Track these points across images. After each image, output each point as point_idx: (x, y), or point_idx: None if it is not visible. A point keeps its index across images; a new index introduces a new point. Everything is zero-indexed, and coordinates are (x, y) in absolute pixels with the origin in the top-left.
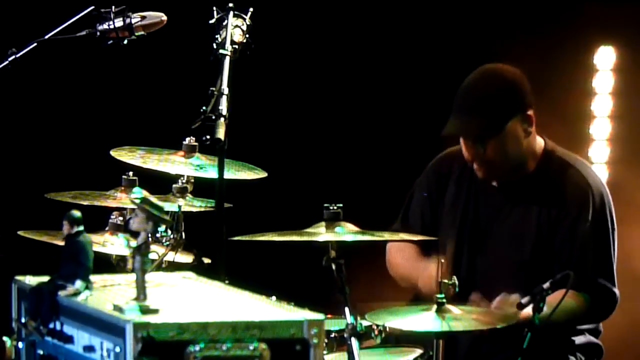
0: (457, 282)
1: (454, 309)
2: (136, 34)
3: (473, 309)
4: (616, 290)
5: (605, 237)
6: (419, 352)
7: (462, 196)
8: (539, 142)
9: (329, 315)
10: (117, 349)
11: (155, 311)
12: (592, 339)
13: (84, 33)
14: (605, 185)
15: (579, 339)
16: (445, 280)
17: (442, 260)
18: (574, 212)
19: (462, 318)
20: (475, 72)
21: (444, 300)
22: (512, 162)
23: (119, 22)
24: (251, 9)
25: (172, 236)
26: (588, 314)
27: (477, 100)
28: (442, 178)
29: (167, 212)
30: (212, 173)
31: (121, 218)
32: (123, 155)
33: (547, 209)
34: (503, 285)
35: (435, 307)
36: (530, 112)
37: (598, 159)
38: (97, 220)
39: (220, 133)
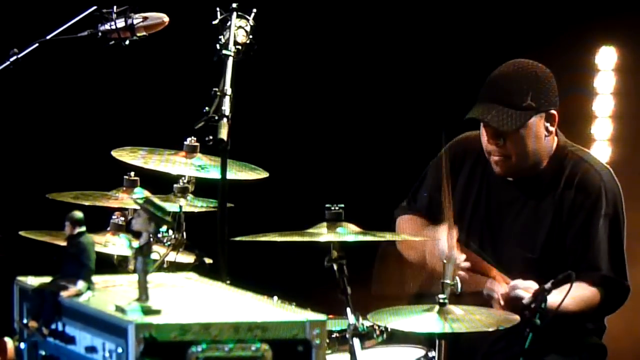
0: (459, 282)
1: (456, 310)
2: (138, 34)
3: (475, 309)
4: (628, 283)
5: (618, 232)
6: (421, 352)
7: (474, 187)
8: (555, 140)
9: (330, 316)
10: (119, 350)
11: (157, 312)
12: (596, 339)
13: (85, 33)
14: (616, 179)
15: (582, 340)
16: (447, 281)
17: (445, 261)
18: (587, 207)
19: (464, 319)
20: (508, 64)
21: (446, 301)
22: (529, 159)
23: (120, 23)
24: (254, 10)
25: (173, 236)
26: (601, 307)
27: (505, 90)
28: (457, 161)
29: (169, 213)
30: (213, 173)
31: (123, 218)
32: (124, 155)
33: (560, 206)
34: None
35: (437, 307)
36: (554, 112)
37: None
38: (99, 220)
39: (223, 133)
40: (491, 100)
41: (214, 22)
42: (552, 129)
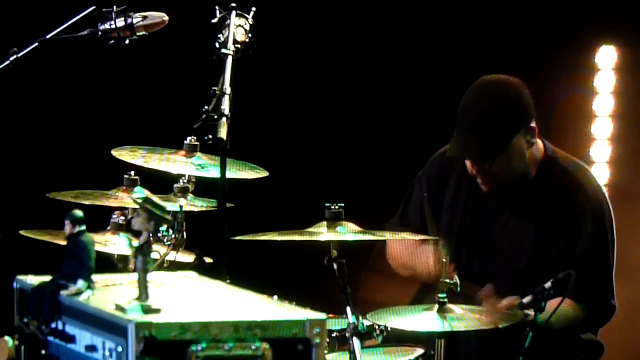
0: (458, 281)
1: (456, 309)
2: (138, 33)
3: (475, 308)
4: (614, 301)
5: (604, 250)
6: (420, 351)
7: (461, 197)
8: (539, 146)
9: (330, 315)
10: (119, 349)
11: (157, 311)
12: (593, 336)
13: (85, 33)
14: (605, 193)
15: (578, 337)
16: (447, 280)
17: (444, 260)
18: (572, 224)
19: (463, 318)
20: (476, 87)
21: (446, 300)
22: (515, 173)
23: (120, 22)
24: (254, 9)
25: (173, 236)
26: (585, 324)
27: (480, 119)
28: (443, 175)
29: (169, 212)
30: (213, 173)
31: (123, 217)
32: (124, 154)
33: (545, 219)
34: (500, 291)
35: (436, 306)
36: (533, 124)
37: (599, 159)
38: (99, 219)
39: (222, 132)
40: (469, 130)
41: (213, 21)
42: (533, 140)
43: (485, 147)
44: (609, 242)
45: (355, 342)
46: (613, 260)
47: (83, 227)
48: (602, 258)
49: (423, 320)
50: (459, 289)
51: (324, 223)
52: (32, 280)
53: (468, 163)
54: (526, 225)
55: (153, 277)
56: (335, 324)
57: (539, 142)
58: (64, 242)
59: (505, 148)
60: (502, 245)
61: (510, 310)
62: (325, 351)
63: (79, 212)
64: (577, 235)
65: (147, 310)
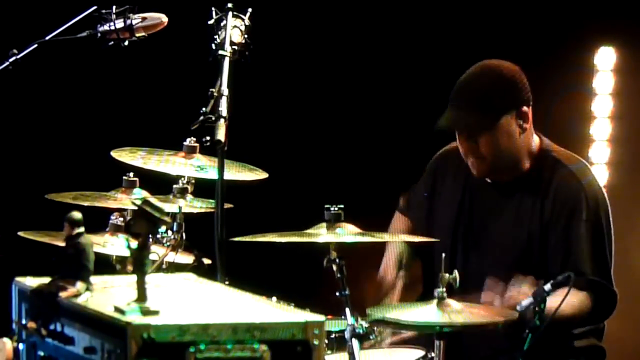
0: (457, 276)
1: (455, 303)
2: (137, 35)
3: (473, 304)
4: (615, 288)
5: (600, 238)
6: (420, 353)
7: (457, 194)
8: (535, 140)
9: (329, 316)
10: (118, 351)
11: (156, 312)
12: (595, 341)
13: (84, 34)
14: (600, 185)
15: (581, 342)
16: (447, 275)
17: (444, 255)
18: (566, 214)
19: (462, 312)
20: (474, 67)
21: (445, 295)
22: (505, 158)
23: (119, 24)
24: (250, 10)
25: (172, 237)
26: (591, 312)
27: (470, 94)
28: (439, 178)
29: (167, 214)
30: (212, 174)
31: (122, 219)
32: (123, 156)
33: (539, 211)
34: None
35: (436, 301)
36: (525, 109)
37: (598, 160)
38: (98, 221)
39: (220, 134)
40: (458, 106)
41: (209, 22)
42: (526, 125)
43: (470, 120)
44: (604, 228)
45: (354, 343)
46: (610, 249)
47: (82, 229)
48: (598, 244)
49: (422, 313)
50: (457, 284)
51: (323, 224)
52: (31, 281)
53: (459, 142)
54: (520, 219)
55: (152, 278)
56: (334, 326)
57: (535, 137)
58: (62, 244)
59: (490, 125)
60: (497, 239)
61: (515, 299)
62: (325, 353)
63: (77, 214)
64: (573, 223)
65: (145, 312)
